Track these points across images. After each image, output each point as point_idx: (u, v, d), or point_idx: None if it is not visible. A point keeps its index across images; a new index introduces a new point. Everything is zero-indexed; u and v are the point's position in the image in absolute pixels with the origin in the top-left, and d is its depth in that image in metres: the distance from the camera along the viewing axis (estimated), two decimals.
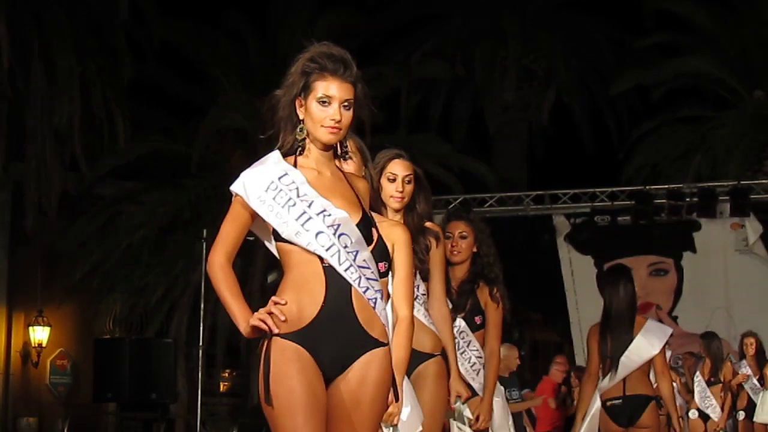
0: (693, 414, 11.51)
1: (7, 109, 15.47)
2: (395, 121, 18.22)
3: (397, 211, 5.20)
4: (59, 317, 16.87)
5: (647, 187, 14.51)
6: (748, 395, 11.49)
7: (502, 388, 6.26)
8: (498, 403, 5.98)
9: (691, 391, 11.71)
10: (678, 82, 18.04)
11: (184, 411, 16.64)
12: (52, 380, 17.15)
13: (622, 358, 6.83)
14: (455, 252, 6.01)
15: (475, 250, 6.10)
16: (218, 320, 15.55)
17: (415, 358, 4.92)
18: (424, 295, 5.20)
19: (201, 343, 13.69)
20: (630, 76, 17.96)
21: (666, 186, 14.50)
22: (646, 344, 6.89)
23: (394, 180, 5.14)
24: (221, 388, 18.70)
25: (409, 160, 5.26)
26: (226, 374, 18.67)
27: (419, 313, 5.06)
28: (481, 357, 5.97)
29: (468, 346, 5.98)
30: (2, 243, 16.67)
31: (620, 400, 6.82)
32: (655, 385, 7.10)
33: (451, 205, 15.23)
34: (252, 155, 4.07)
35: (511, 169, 19.37)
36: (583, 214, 14.73)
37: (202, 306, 13.45)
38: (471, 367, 5.93)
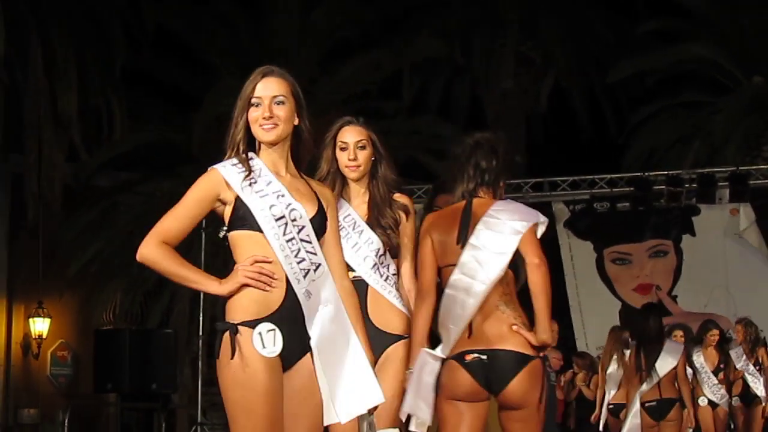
0: (702, 401, 11.53)
1: (4, 98, 15.43)
2: (395, 106, 18.20)
3: (356, 181, 4.95)
4: (59, 308, 16.88)
5: (646, 174, 14.51)
6: (744, 381, 11.53)
7: None
8: None
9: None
10: (676, 68, 18.04)
11: (185, 401, 16.65)
12: (53, 371, 17.17)
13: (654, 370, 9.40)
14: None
15: None
16: (218, 310, 15.53)
17: (385, 339, 4.81)
18: (394, 275, 4.94)
19: (201, 333, 13.68)
20: (628, 63, 17.93)
21: (665, 172, 14.51)
22: (667, 360, 9.36)
23: (345, 148, 4.88)
24: None
25: (363, 125, 4.96)
26: None
27: (390, 294, 4.87)
28: None
29: None
30: (2, 235, 16.67)
31: (655, 402, 9.36)
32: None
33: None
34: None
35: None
36: (582, 201, 14.73)
37: (202, 296, 13.44)
38: None
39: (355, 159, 4.86)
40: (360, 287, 4.67)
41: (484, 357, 4.64)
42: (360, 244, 4.89)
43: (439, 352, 4.76)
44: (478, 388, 4.68)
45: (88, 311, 16.71)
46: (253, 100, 4.05)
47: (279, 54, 17.26)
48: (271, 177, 4.02)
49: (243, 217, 3.97)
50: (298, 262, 3.91)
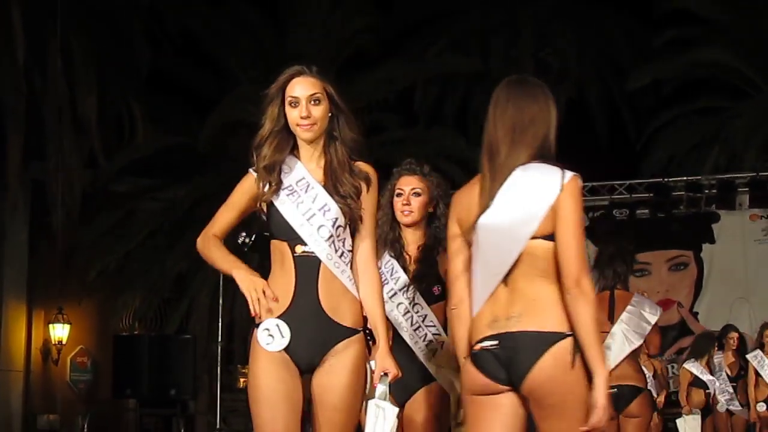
0: (721, 408, 11.49)
1: (24, 105, 15.48)
2: (412, 116, 18.24)
3: (310, 142, 4.19)
4: (79, 314, 16.92)
5: (666, 180, 14.47)
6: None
7: None
8: None
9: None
10: (694, 74, 17.99)
11: (204, 407, 16.67)
12: (73, 377, 17.20)
13: None
14: (407, 212, 5.17)
15: (431, 210, 5.24)
16: (236, 316, 15.58)
17: (337, 332, 4.07)
18: (350, 251, 4.21)
19: (220, 339, 13.70)
20: (646, 70, 17.91)
21: (685, 178, 14.47)
22: None
23: (296, 104, 4.14)
24: (240, 384, 18.73)
25: (317, 75, 4.21)
26: (245, 370, 18.68)
27: (344, 275, 4.14)
28: (438, 334, 5.09)
29: (423, 321, 5.10)
30: (22, 241, 16.73)
31: None
32: None
33: None
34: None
35: None
36: (601, 207, 14.69)
37: (220, 302, 13.47)
38: (427, 346, 5.07)
39: (308, 116, 4.11)
40: (311, 265, 4.11)
41: (615, 389, 6.73)
42: (314, 211, 4.15)
43: None
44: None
45: (107, 317, 16.77)
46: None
47: (298, 63, 17.29)
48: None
49: None
50: None
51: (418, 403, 5.05)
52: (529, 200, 3.76)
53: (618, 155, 18.27)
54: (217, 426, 13.74)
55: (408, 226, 5.22)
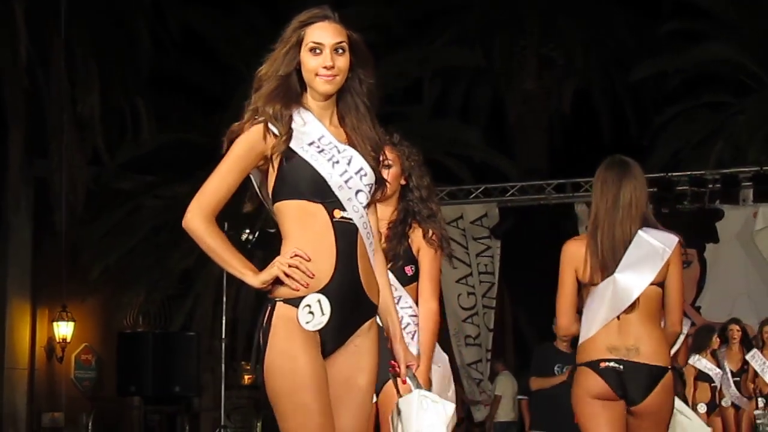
0: (726, 402, 11.49)
1: (27, 103, 15.49)
2: (417, 111, 18.23)
3: (326, 98, 3.64)
4: (83, 312, 16.93)
5: (669, 174, 14.43)
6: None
7: (445, 355, 5.10)
8: (438, 371, 4.84)
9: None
10: (698, 69, 17.96)
11: (209, 404, 16.67)
12: (77, 375, 17.22)
13: None
14: None
15: (403, 182, 4.83)
16: (239, 313, 15.57)
17: (369, 311, 3.68)
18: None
19: (223, 336, 13.70)
20: (650, 64, 17.88)
21: (688, 173, 14.44)
22: None
23: (319, 51, 3.60)
24: (245, 381, 18.74)
25: (340, 22, 3.71)
26: (249, 367, 18.70)
27: (371, 248, 3.71)
28: (415, 316, 4.73)
29: (398, 302, 4.58)
30: (25, 239, 16.73)
31: None
32: None
33: (473, 195, 15.20)
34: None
35: (533, 158, 19.33)
36: None
37: (224, 299, 13.45)
38: (404, 329, 4.48)
39: (333, 66, 3.58)
40: (351, 234, 3.61)
41: None
42: (350, 173, 3.62)
43: None
44: None
45: (111, 314, 16.77)
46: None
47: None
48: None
49: None
50: None
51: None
52: (652, 257, 4.93)
53: (622, 150, 18.12)
54: (222, 423, 13.75)
55: (378, 201, 4.74)
